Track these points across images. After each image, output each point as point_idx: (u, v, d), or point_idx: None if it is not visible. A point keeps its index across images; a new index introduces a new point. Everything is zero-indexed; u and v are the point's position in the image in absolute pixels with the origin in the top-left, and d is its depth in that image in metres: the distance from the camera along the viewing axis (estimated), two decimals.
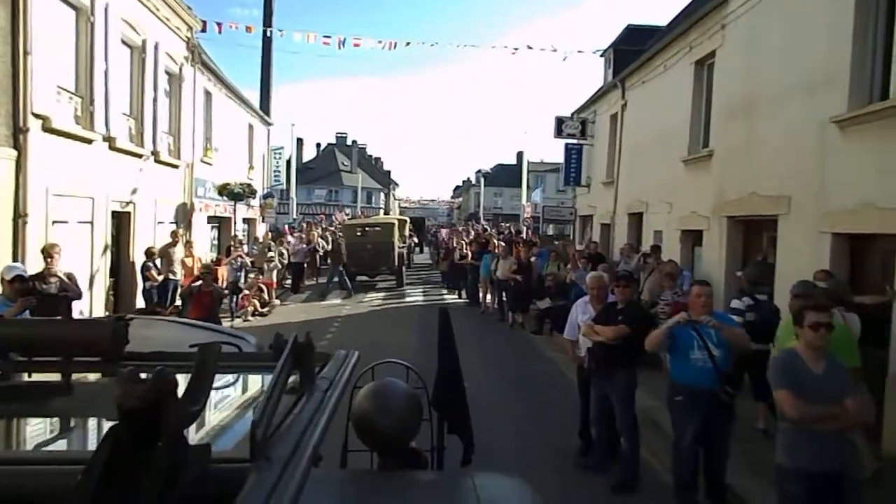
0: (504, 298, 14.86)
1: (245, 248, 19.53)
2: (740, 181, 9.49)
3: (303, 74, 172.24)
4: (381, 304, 17.39)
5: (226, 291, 12.49)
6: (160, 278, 11.86)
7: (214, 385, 1.34)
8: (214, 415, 1.73)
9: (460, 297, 18.31)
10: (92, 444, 1.36)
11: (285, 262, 18.76)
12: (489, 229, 28.70)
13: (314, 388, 1.54)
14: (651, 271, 10.48)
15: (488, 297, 15.99)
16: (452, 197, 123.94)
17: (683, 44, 11.90)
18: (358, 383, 2.22)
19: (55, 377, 1.77)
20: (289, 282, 18.83)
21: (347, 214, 36.16)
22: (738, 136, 9.63)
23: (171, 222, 13.82)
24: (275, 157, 23.83)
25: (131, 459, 0.98)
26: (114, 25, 10.57)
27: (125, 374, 1.05)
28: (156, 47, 12.06)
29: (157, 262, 11.92)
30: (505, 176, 75.58)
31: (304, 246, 18.96)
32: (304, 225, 27.73)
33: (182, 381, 1.13)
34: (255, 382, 1.96)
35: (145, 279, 11.77)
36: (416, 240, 30.86)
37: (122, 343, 1.79)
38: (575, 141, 18.38)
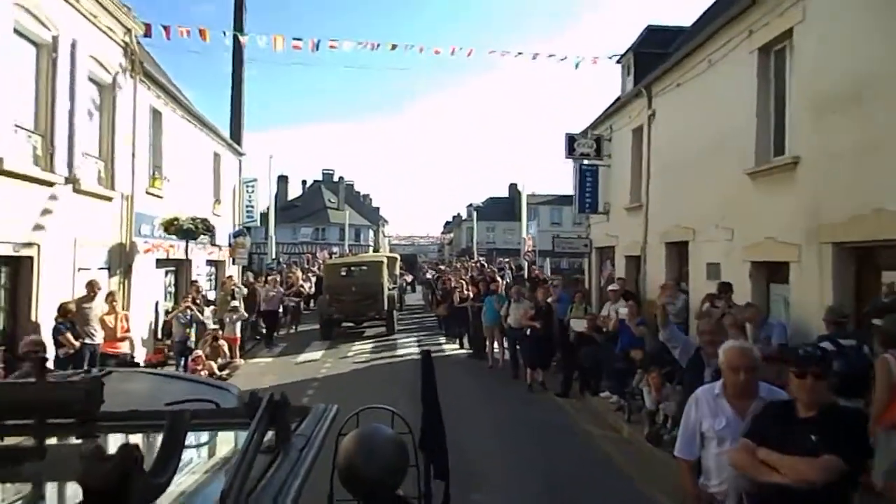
0: (518, 351, 12.16)
1: (211, 294, 16.82)
2: (850, 195, 6.94)
3: (288, 119, 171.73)
4: (368, 359, 14.58)
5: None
6: (77, 343, 9.10)
7: (187, 444, 1.35)
8: (185, 477, 1.63)
9: (461, 347, 15.56)
10: None
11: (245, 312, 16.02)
12: (486, 265, 26.07)
13: (290, 447, 1.53)
14: (721, 316, 7.83)
15: (496, 348, 13.26)
16: (443, 233, 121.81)
17: (738, 29, 9.49)
18: (343, 430, 2.17)
19: (28, 441, 1.71)
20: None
21: (335, 253, 33.35)
22: (842, 134, 7.12)
23: (103, 267, 11.06)
24: (247, 191, 21.20)
25: None
26: (5, 11, 8.02)
27: (89, 450, 1.05)
28: (73, 46, 9.48)
29: (76, 321, 9.19)
30: (497, 210, 73.40)
31: (279, 290, 16.19)
32: (285, 266, 25.03)
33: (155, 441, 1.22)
34: (231, 441, 1.86)
35: (58, 345, 8.98)
36: (408, 279, 28.15)
37: (96, 404, 1.72)
38: (589, 162, 15.93)
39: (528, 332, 11.46)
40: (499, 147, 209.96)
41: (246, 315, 13.45)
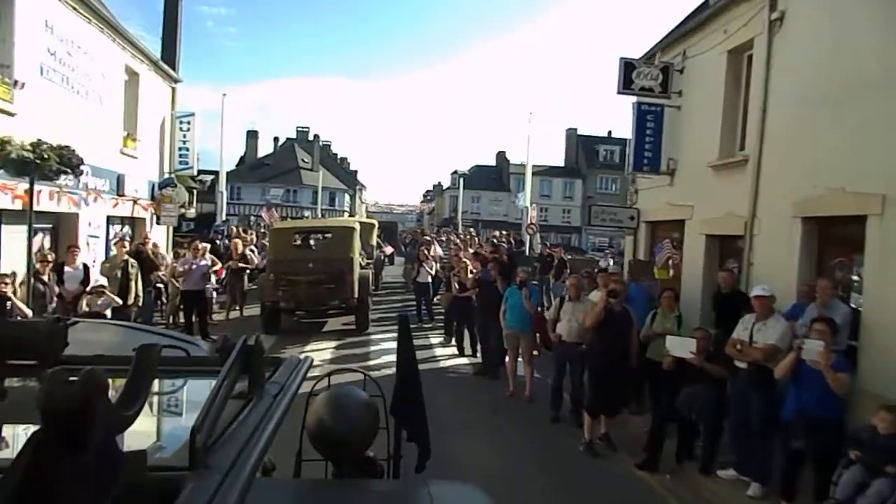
0: (570, 380, 7.62)
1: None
2: None
3: (266, 73, 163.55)
4: (327, 371, 9.87)
5: None
6: None
7: (158, 390, 1.49)
8: (155, 421, 1.67)
9: (461, 352, 11.01)
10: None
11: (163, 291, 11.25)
12: (500, 239, 21.41)
13: (263, 394, 1.51)
14: None
15: (520, 365, 8.70)
16: (423, 202, 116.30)
17: None
18: (314, 391, 2.13)
19: None
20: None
21: (283, 217, 26.27)
22: None
23: None
24: (181, 128, 16.16)
25: (56, 466, 0.93)
26: None
27: (52, 374, 1.01)
28: None
29: None
30: (483, 178, 68.59)
31: (199, 264, 11.36)
32: (233, 229, 20.10)
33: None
34: (203, 388, 1.72)
35: None
36: (387, 251, 23.35)
37: (59, 346, 1.71)
38: (652, 100, 11.30)
39: (588, 349, 6.97)
40: (485, 116, 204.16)
41: (118, 301, 8.66)
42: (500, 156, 71.27)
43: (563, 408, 7.66)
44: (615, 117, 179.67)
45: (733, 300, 7.79)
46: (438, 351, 11.34)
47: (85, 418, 0.94)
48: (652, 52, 11.99)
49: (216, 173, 67.68)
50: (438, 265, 14.86)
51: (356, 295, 11.72)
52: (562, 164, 67.85)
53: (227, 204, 57.10)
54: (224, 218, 22.95)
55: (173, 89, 16.43)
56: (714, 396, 6.10)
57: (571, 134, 67.93)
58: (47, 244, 10.83)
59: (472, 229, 26.94)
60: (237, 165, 68.63)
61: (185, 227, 30.50)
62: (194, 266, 11.34)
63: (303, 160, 65.98)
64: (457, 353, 11.04)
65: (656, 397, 7.24)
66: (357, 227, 12.90)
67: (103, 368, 1.16)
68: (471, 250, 15.21)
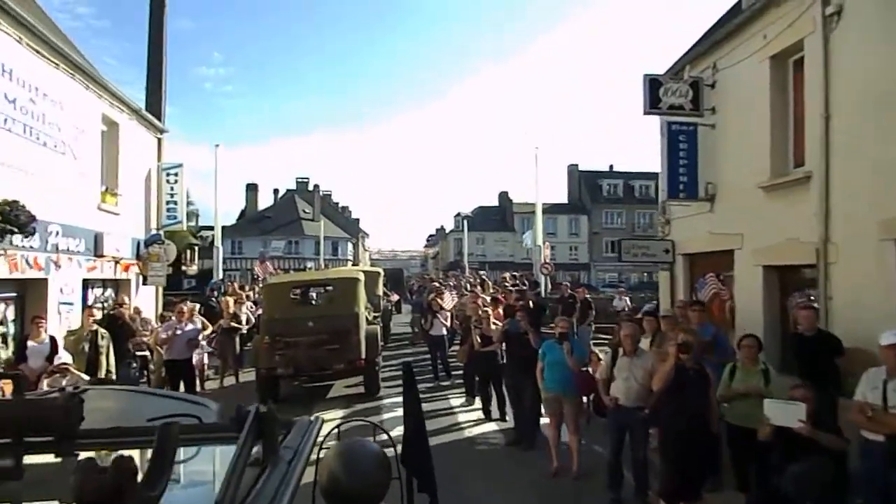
0: (631, 456, 6.17)
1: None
2: None
3: (261, 135, 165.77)
4: (336, 424, 8.45)
5: None
6: None
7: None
8: (173, 491, 1.55)
9: (488, 417, 9.56)
10: None
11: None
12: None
13: (278, 460, 1.52)
14: None
15: (563, 432, 7.25)
16: (426, 246, 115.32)
17: None
18: (323, 445, 2.15)
19: (6, 460, 1.63)
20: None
21: (277, 269, 24.40)
22: None
23: None
24: (168, 181, 15.06)
25: None
26: None
27: (82, 463, 1.12)
28: None
29: None
30: (487, 219, 67.63)
31: (185, 329, 10.06)
32: (228, 286, 18.80)
33: (138, 456, 1.23)
34: (216, 455, 1.85)
35: None
36: (393, 299, 22.00)
37: (76, 421, 1.67)
38: (683, 119, 10.15)
39: (652, 414, 5.58)
40: (483, 156, 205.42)
41: (84, 378, 7.28)
42: (503, 195, 70.50)
43: (623, 488, 6.20)
44: (615, 151, 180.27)
45: (817, 343, 6.44)
46: (461, 416, 9.87)
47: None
48: (677, 66, 10.89)
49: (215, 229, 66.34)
50: (452, 315, 13.51)
51: (364, 355, 10.33)
52: (565, 200, 67.05)
53: (228, 259, 56.07)
54: (220, 275, 21.71)
55: (159, 140, 15.41)
56: (833, 476, 4.68)
57: (573, 170, 67.27)
58: (11, 315, 9.56)
59: (482, 272, 25.62)
60: (238, 220, 68.09)
61: (186, 285, 29.15)
62: (178, 331, 10.02)
63: (303, 211, 65.30)
64: (483, 417, 9.59)
65: (740, 471, 5.84)
66: (361, 277, 11.58)
67: (118, 441, 1.55)
68: (485, 296, 13.89)
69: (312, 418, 1.96)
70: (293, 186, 72.25)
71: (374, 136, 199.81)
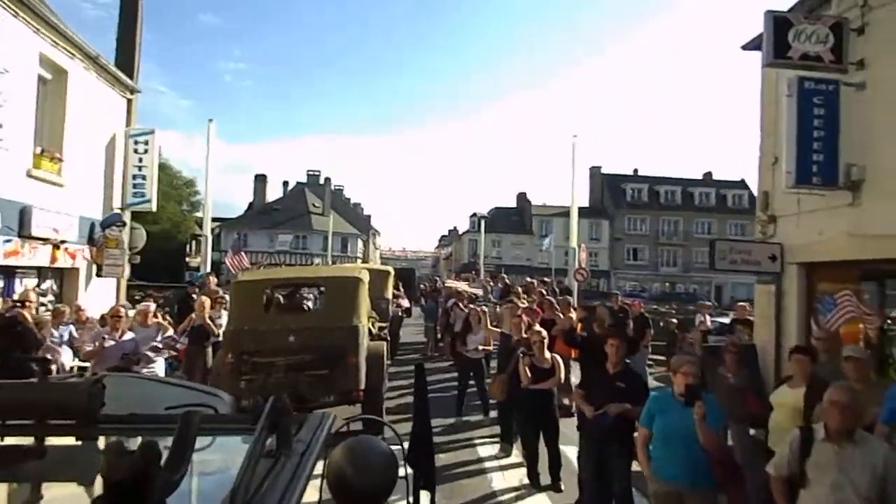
0: None
1: None
2: None
3: (280, 131, 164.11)
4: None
5: None
6: None
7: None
8: (187, 479, 1.56)
9: (535, 484, 6.70)
10: None
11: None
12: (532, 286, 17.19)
13: (291, 452, 1.55)
14: None
15: None
16: (438, 247, 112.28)
17: None
18: (332, 442, 2.04)
19: (29, 441, 1.73)
20: None
21: (252, 264, 20.18)
22: None
23: None
24: (136, 150, 12.35)
25: None
26: None
27: (111, 445, 1.27)
28: None
29: None
30: (503, 221, 64.65)
31: (121, 340, 7.32)
32: (208, 280, 16.05)
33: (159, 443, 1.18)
34: (229, 444, 1.87)
35: None
36: (404, 303, 19.16)
37: (97, 406, 1.74)
38: (820, 75, 7.31)
39: None
40: (501, 157, 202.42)
41: None
42: (521, 197, 67.55)
43: None
44: (639, 155, 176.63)
45: None
46: (494, 476, 7.03)
47: (144, 485, 1.06)
48: (809, 3, 8.00)
49: (224, 221, 64.37)
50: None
51: (362, 385, 7.51)
52: (586, 203, 63.98)
53: (225, 251, 53.36)
54: (209, 268, 19.02)
55: (129, 101, 12.71)
56: None
57: (596, 172, 64.17)
58: None
59: (505, 276, 22.77)
60: (245, 212, 65.68)
61: (188, 278, 26.41)
62: (110, 342, 7.28)
63: (313, 205, 62.82)
64: (526, 482, 6.76)
65: None
66: (366, 277, 8.70)
67: (137, 427, 1.65)
68: (522, 303, 11.08)
69: (324, 413, 1.99)
70: (304, 180, 69.86)
71: (396, 141, 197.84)
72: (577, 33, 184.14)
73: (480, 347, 9.33)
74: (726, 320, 16.45)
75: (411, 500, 2.29)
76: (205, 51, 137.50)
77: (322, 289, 9.33)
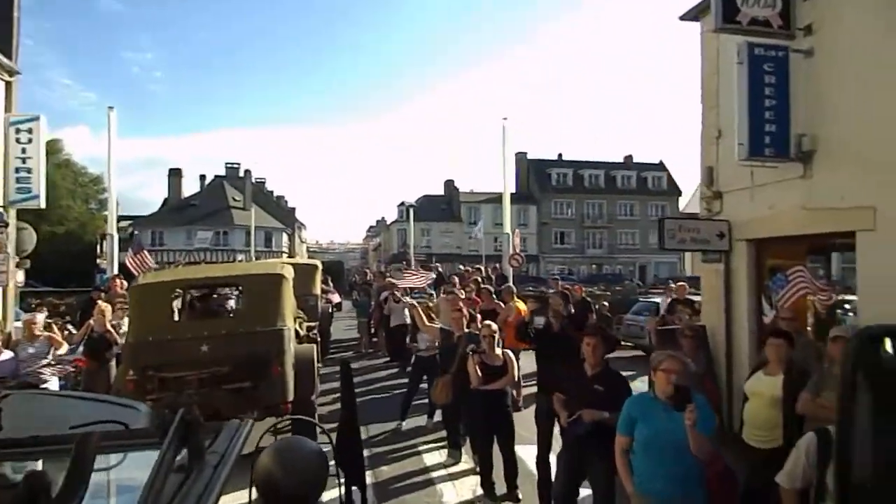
0: None
1: None
2: None
3: (190, 125, 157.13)
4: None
5: None
6: None
7: (97, 467, 1.37)
8: (97, 500, 1.67)
9: (489, 493, 6.05)
10: None
11: None
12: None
13: (203, 465, 1.51)
14: None
15: None
16: (366, 238, 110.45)
17: None
18: (260, 444, 2.01)
19: None
20: None
21: (169, 263, 18.82)
22: None
23: None
24: (18, 139, 10.80)
25: None
26: None
27: None
28: None
29: None
30: (432, 210, 64.05)
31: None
32: (114, 283, 14.55)
33: (58, 467, 1.18)
34: (142, 461, 1.69)
35: None
36: (334, 299, 18.17)
37: None
38: (770, 41, 6.94)
39: None
40: (427, 146, 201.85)
41: None
42: (449, 184, 67.08)
43: None
44: (562, 140, 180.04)
45: None
46: (445, 488, 6.35)
47: None
48: None
49: (136, 219, 60.71)
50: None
51: (290, 396, 6.62)
52: (514, 189, 64.13)
53: (148, 251, 50.31)
54: (115, 270, 17.37)
55: (8, 84, 11.12)
56: None
57: (521, 158, 64.39)
58: None
59: (438, 265, 22.12)
60: (160, 208, 62.04)
61: (98, 281, 24.52)
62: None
63: (233, 199, 60.11)
64: (481, 491, 6.10)
65: None
66: (289, 273, 7.74)
67: (39, 451, 1.55)
68: (460, 292, 10.44)
69: (241, 421, 1.89)
70: (223, 173, 66.71)
71: (319, 132, 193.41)
72: (499, 23, 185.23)
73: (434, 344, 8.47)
74: (658, 300, 16.48)
75: (343, 499, 2.28)
76: (109, 40, 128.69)
77: (239, 289, 8.30)
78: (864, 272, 6.26)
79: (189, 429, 1.47)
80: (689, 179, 60.28)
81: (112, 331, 8.79)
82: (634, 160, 66.88)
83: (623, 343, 12.96)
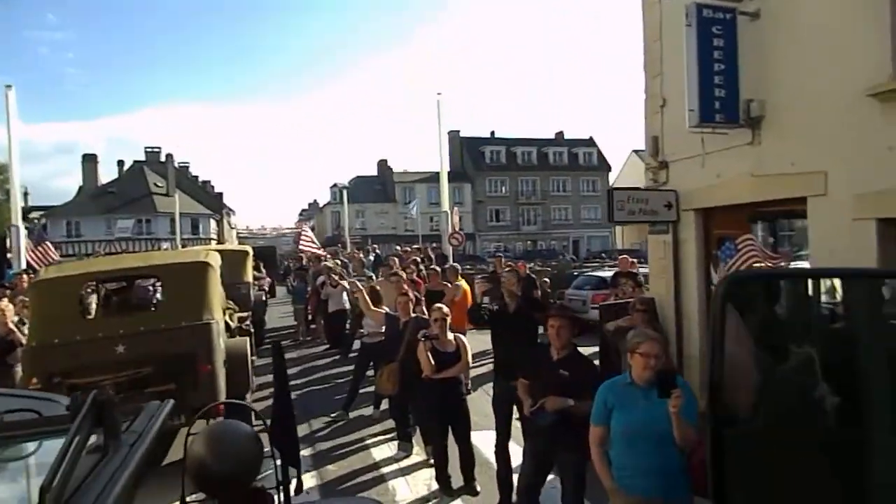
0: None
1: None
2: None
3: (106, 108, 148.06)
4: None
5: None
6: None
7: (7, 457, 1.44)
8: (6, 488, 1.65)
9: (444, 485, 5.67)
10: None
11: None
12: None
13: (119, 446, 1.49)
14: None
15: None
16: (299, 222, 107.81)
17: None
18: (192, 430, 2.08)
19: None
20: None
21: (87, 255, 17.66)
22: None
23: None
24: None
25: None
26: None
27: None
28: None
29: None
30: (366, 190, 62.98)
31: None
32: (20, 280, 13.30)
33: None
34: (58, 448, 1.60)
35: None
36: (266, 284, 17.32)
37: None
38: (717, 2, 6.71)
39: None
40: (358, 125, 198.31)
41: None
42: (383, 164, 66.03)
43: None
44: (496, 118, 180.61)
45: None
46: (401, 487, 5.92)
47: None
48: None
49: (51, 209, 56.81)
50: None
51: (221, 396, 6.00)
52: (448, 168, 63.85)
53: (63, 243, 47.19)
54: (23, 265, 15.98)
55: None
56: None
57: (455, 136, 63.99)
58: None
59: (375, 246, 21.49)
60: (75, 197, 58.22)
61: (7, 277, 23.09)
62: None
63: (155, 184, 57.18)
64: (437, 486, 5.71)
65: None
66: (216, 260, 7.02)
67: None
68: (402, 274, 9.93)
69: (161, 402, 1.86)
70: (142, 158, 63.19)
71: (244, 112, 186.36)
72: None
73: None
74: (603, 274, 16.52)
75: (279, 478, 2.28)
76: (11, 17, 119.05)
77: (156, 284, 7.51)
78: (816, 237, 6.17)
79: (104, 409, 1.46)
80: (617, 154, 61.60)
81: (16, 331, 7.87)
82: (565, 136, 67.63)
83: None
